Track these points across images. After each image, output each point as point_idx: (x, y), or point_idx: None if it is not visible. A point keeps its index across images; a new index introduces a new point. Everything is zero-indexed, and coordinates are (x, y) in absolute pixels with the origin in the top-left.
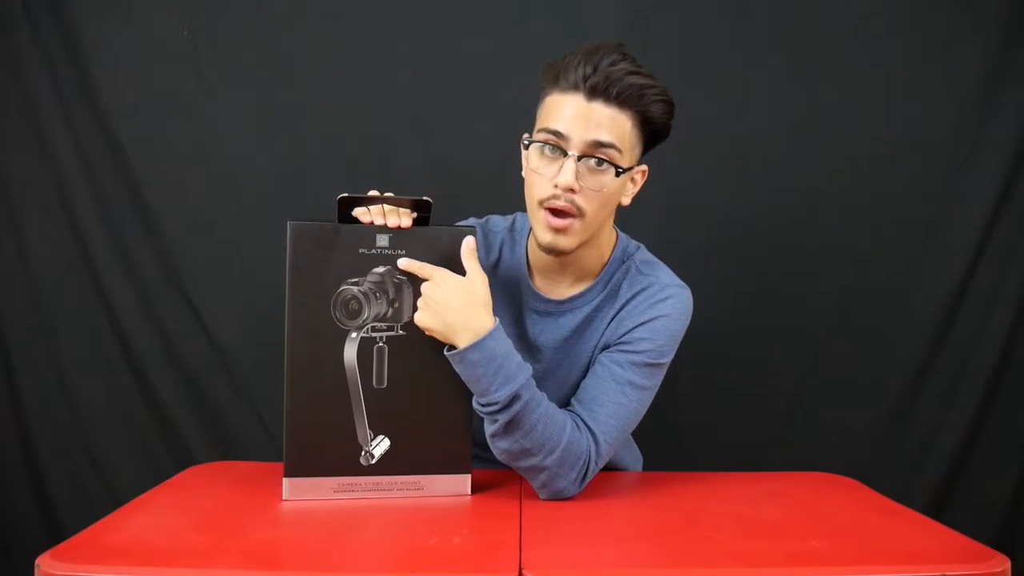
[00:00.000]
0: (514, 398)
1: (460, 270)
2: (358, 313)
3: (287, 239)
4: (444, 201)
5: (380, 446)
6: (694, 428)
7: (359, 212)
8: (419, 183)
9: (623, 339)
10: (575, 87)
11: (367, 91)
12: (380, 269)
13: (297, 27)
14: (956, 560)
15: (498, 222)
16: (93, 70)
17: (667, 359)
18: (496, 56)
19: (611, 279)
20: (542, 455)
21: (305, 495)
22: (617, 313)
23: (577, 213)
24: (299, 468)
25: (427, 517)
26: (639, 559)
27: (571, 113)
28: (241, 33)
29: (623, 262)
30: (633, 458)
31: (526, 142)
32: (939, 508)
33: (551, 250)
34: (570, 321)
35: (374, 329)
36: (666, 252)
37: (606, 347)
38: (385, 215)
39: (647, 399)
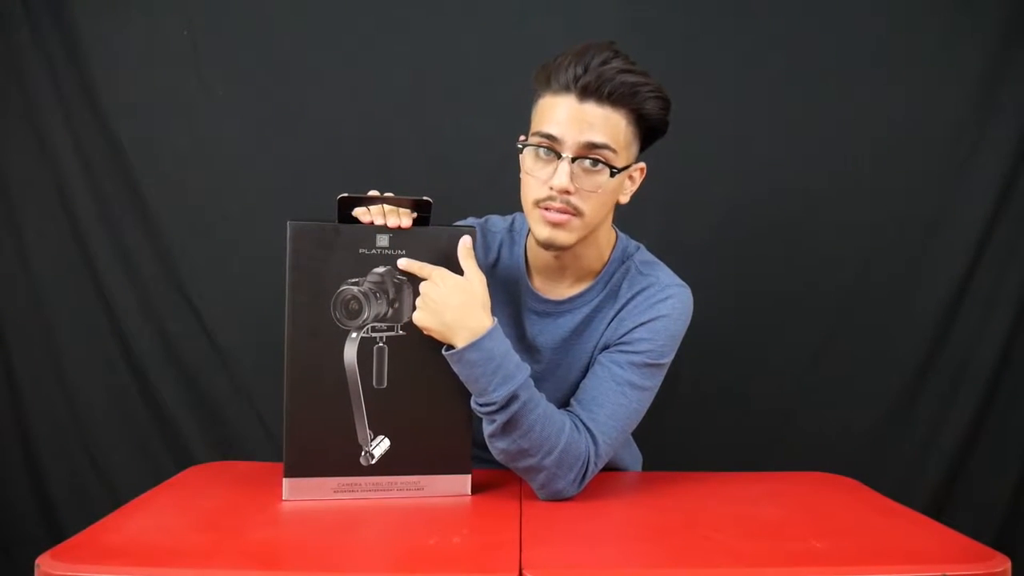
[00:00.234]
0: (512, 398)
1: (460, 270)
2: (358, 313)
3: (287, 239)
4: (444, 201)
5: (380, 446)
6: (694, 428)
7: (359, 212)
8: (419, 183)
9: (623, 339)
10: (567, 88)
11: (367, 91)
12: (380, 269)
13: (297, 27)
14: (956, 560)
15: (497, 222)
16: (93, 70)
17: (667, 359)
18: (496, 56)
19: (611, 279)
20: (540, 456)
21: (305, 495)
22: (617, 313)
23: (575, 213)
24: (299, 468)
25: (427, 517)
26: (639, 559)
27: (564, 115)
28: (241, 33)
29: (623, 262)
30: (633, 458)
31: (521, 145)
32: (939, 508)
33: (550, 245)
34: (569, 321)
35: (374, 329)
36: (666, 252)
37: (606, 347)
38: (385, 215)
39: (647, 399)
